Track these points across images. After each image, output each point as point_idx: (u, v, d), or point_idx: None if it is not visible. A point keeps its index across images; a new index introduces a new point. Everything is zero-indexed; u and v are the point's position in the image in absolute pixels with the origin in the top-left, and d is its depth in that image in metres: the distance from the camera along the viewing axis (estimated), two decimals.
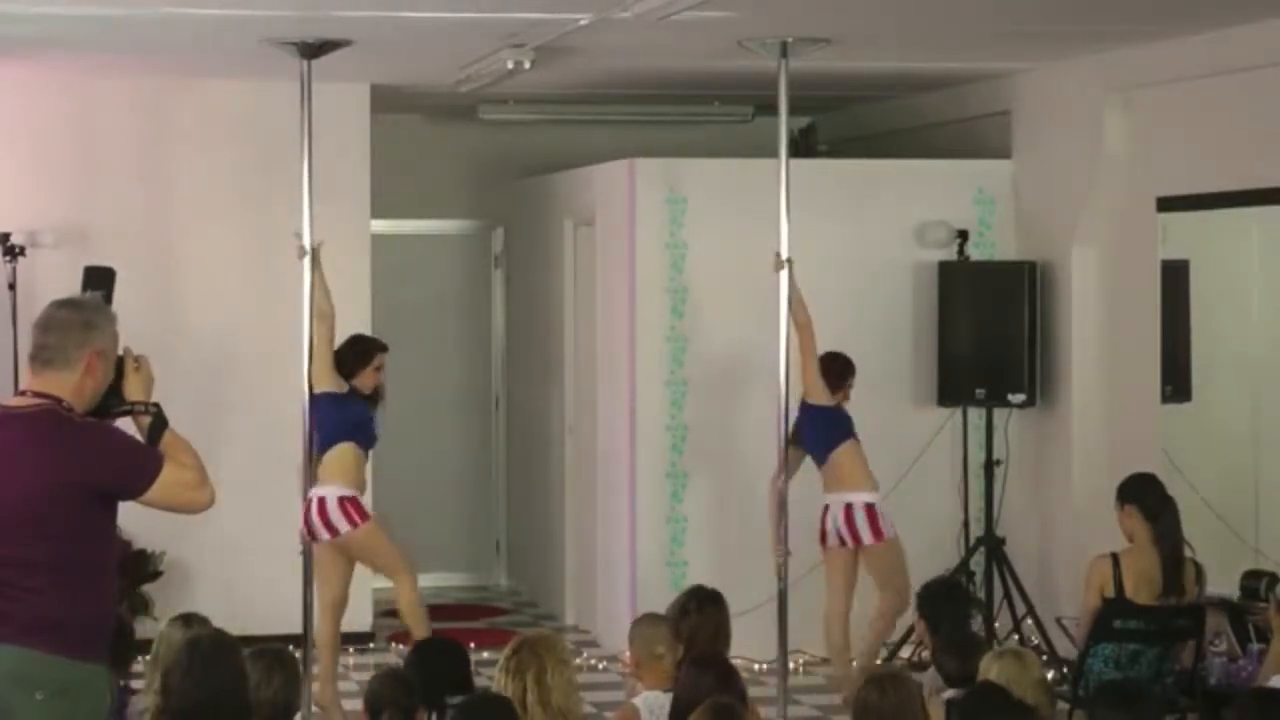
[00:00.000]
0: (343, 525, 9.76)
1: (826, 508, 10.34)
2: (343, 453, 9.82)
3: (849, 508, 10.27)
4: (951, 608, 8.11)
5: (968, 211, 11.86)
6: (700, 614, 7.62)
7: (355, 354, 9.96)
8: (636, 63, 11.20)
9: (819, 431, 10.32)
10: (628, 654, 7.68)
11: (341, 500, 9.75)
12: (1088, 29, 10.04)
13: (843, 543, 10.31)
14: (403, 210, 13.69)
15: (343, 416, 9.82)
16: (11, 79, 11.44)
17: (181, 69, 11.47)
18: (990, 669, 6.71)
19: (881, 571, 10.37)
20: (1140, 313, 10.67)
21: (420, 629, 9.79)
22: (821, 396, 10.29)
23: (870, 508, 10.27)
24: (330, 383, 9.79)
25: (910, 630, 10.88)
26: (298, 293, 9.75)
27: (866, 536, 10.28)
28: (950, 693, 7.02)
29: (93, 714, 5.73)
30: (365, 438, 9.93)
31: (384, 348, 10.10)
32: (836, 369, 10.39)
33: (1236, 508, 10.04)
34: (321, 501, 9.75)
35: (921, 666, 9.03)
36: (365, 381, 9.93)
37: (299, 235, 9.64)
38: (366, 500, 10.02)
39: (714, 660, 6.95)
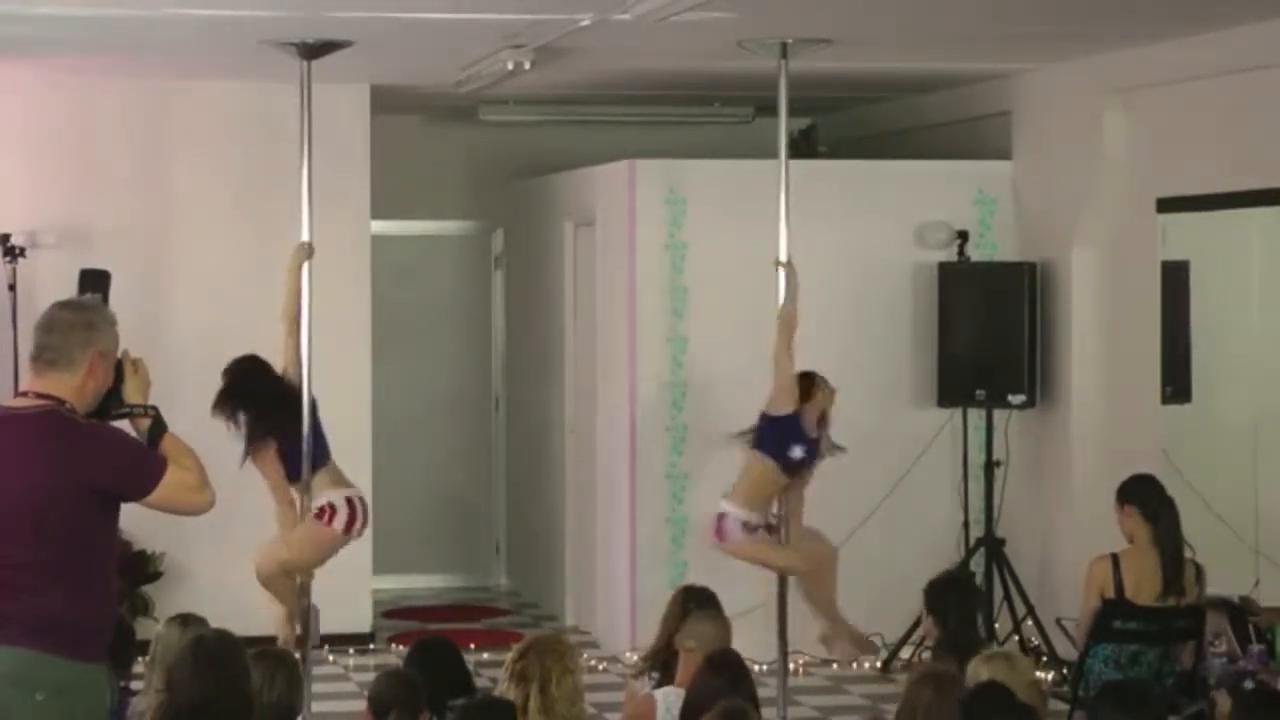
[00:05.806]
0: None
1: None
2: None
3: None
4: (957, 601, 8.00)
5: (968, 212, 11.86)
6: (702, 614, 7.60)
7: None
8: (636, 63, 11.20)
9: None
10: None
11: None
12: (1088, 29, 10.03)
13: None
14: (403, 211, 13.67)
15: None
16: (11, 79, 11.43)
17: (181, 69, 11.47)
18: (980, 672, 6.62)
19: None
20: (1140, 313, 10.67)
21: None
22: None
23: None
24: None
25: (911, 629, 10.88)
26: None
27: None
28: None
29: (92, 714, 5.73)
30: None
31: None
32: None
33: (1236, 508, 10.03)
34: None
35: None
36: None
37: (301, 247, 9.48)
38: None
39: (727, 661, 6.90)
